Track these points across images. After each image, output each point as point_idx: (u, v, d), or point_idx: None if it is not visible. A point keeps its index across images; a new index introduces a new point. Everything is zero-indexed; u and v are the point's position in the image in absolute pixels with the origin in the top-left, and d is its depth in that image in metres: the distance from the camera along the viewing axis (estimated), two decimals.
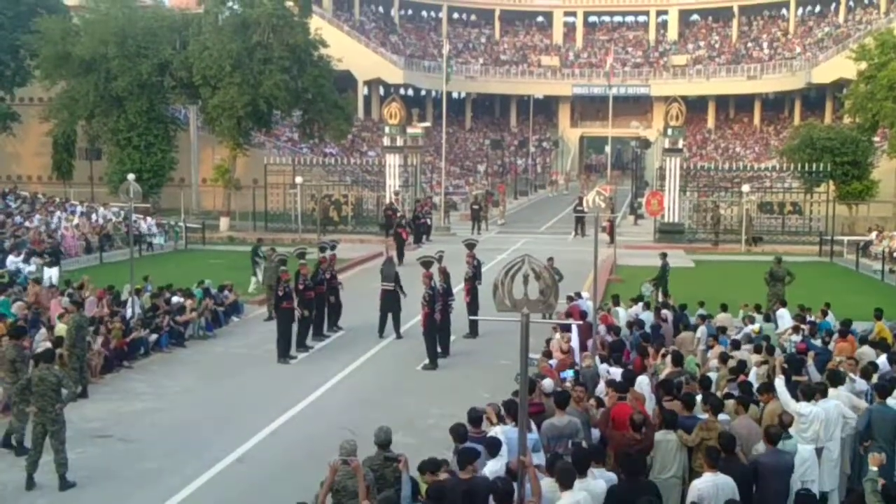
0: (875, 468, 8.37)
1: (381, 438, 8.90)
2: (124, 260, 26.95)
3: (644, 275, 25.02)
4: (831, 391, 10.58)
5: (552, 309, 7.52)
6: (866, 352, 13.84)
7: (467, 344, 19.79)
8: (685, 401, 10.31)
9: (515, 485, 7.91)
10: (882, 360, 13.34)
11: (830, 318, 17.41)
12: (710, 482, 8.29)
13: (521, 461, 7.79)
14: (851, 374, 11.88)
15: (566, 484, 7.77)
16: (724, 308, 18.18)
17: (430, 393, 15.95)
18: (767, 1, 79.60)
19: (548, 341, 15.41)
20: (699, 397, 10.88)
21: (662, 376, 12.11)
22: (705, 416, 10.00)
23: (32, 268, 25.95)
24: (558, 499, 7.84)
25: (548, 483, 8.15)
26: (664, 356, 13.00)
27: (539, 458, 8.99)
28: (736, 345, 14.45)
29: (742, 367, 12.30)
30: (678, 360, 12.56)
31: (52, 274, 24.53)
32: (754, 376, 12.37)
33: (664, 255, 23.92)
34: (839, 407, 10.28)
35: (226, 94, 39.91)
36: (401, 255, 29.91)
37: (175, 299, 20.44)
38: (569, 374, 12.33)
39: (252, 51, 40.45)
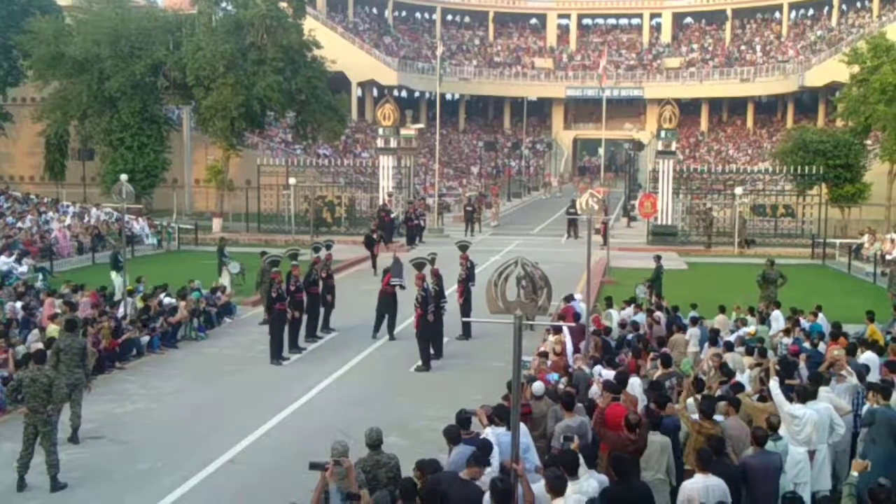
0: (856, 473, 8.39)
1: (373, 439, 8.89)
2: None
3: (637, 277, 25.06)
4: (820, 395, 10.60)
5: (545, 311, 7.52)
6: (865, 356, 13.88)
7: (460, 346, 19.79)
8: (657, 401, 10.33)
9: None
10: (871, 358, 13.45)
11: (822, 319, 17.46)
12: (701, 484, 8.31)
13: (513, 468, 7.75)
14: (847, 369, 11.89)
15: (558, 491, 7.71)
16: (722, 310, 18.21)
17: (423, 395, 15.94)
18: (760, 4, 79.87)
19: (543, 342, 15.43)
20: (692, 400, 10.91)
21: (654, 378, 12.13)
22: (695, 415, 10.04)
23: (24, 268, 25.89)
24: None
25: (541, 487, 8.13)
26: (653, 359, 13.00)
27: (529, 462, 8.97)
28: (729, 347, 14.46)
29: (730, 373, 12.29)
30: (667, 362, 12.57)
31: (119, 281, 22.64)
32: (748, 379, 12.40)
33: (658, 258, 23.94)
34: (829, 410, 10.31)
35: (219, 95, 39.87)
36: (374, 266, 28.89)
37: (167, 300, 20.40)
38: (554, 377, 12.30)
39: (246, 52, 40.44)
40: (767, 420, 9.76)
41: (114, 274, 23.47)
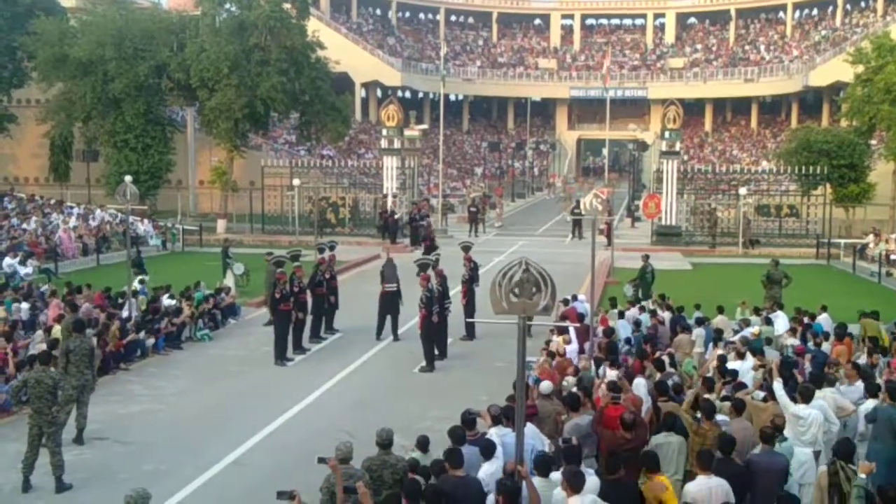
0: (864, 475, 8.35)
1: (383, 438, 8.91)
2: (121, 262, 26.90)
3: None
4: (817, 392, 10.58)
5: (549, 311, 7.50)
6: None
7: (464, 346, 19.79)
8: (672, 400, 10.34)
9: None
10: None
11: (823, 319, 17.42)
12: (704, 485, 8.26)
13: (517, 470, 7.74)
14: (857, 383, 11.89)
15: (575, 488, 7.67)
16: (721, 310, 18.19)
17: (427, 395, 15.94)
18: (765, 4, 79.77)
19: (548, 343, 15.43)
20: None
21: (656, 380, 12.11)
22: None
23: (29, 270, 25.92)
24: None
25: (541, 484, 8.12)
26: (653, 363, 12.95)
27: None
28: (741, 356, 14.38)
29: (734, 374, 12.29)
30: (661, 367, 12.54)
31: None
32: (751, 379, 12.38)
33: (646, 257, 24.00)
34: (824, 408, 10.30)
35: (223, 96, 39.89)
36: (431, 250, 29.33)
37: (168, 301, 20.38)
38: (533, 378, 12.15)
39: (249, 53, 40.44)
40: (772, 421, 9.73)
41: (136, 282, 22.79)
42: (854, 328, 16.46)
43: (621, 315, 17.59)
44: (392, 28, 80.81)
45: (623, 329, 16.92)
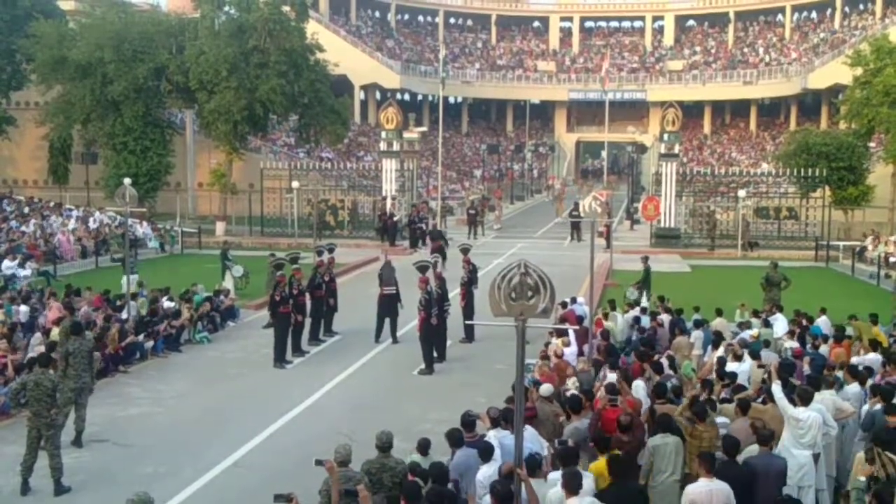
0: (863, 478, 8.36)
1: (383, 441, 8.91)
2: (120, 265, 26.87)
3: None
4: (816, 395, 10.59)
5: (548, 314, 7.50)
6: (869, 358, 13.88)
7: (463, 349, 19.78)
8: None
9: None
10: (874, 359, 13.46)
11: (822, 322, 17.41)
12: (704, 488, 8.25)
13: (516, 472, 7.74)
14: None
15: (573, 490, 7.68)
16: (720, 313, 18.20)
17: (426, 398, 15.93)
18: (763, 7, 79.87)
19: (546, 345, 15.43)
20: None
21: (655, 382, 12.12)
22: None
23: (28, 272, 25.92)
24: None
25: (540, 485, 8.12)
26: (650, 366, 12.97)
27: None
28: (738, 358, 14.39)
29: (733, 376, 12.30)
30: (659, 369, 12.55)
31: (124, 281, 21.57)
32: (748, 380, 12.39)
33: (646, 259, 24.04)
34: (822, 412, 10.31)
35: (222, 99, 39.89)
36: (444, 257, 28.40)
37: (167, 304, 20.38)
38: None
39: (248, 55, 40.45)
40: (751, 424, 9.72)
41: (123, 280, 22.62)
42: (849, 330, 16.46)
43: (637, 321, 17.53)
44: (391, 30, 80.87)
45: (625, 333, 16.96)
